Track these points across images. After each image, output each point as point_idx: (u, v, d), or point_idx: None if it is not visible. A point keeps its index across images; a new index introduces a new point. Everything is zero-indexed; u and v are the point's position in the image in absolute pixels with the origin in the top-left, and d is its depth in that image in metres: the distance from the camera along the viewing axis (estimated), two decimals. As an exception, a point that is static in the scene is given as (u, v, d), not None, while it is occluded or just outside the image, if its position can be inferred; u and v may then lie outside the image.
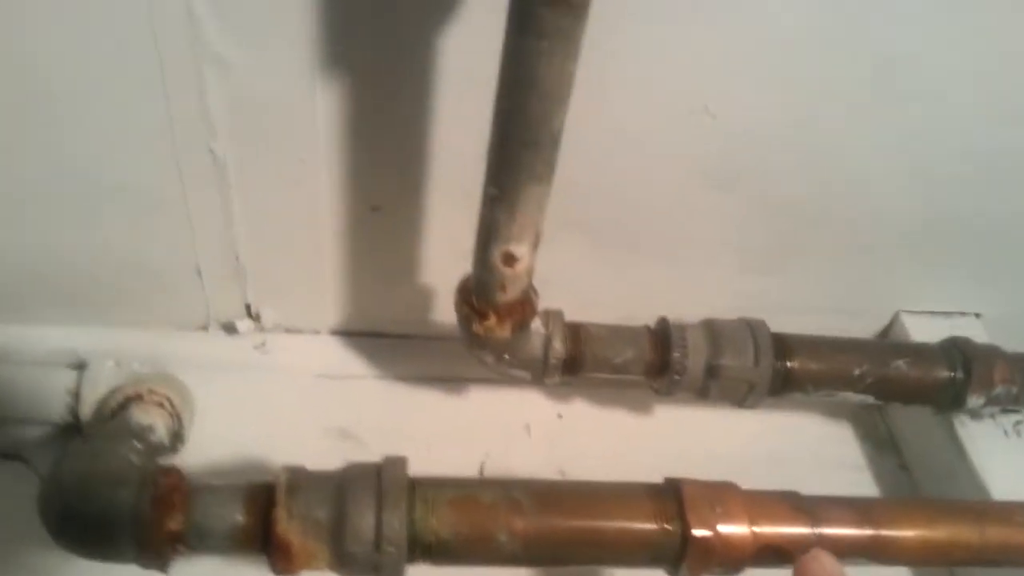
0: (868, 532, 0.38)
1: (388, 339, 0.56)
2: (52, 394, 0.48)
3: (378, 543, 0.35)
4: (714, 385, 0.46)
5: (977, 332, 0.56)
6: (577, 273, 0.52)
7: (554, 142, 0.35)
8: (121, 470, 0.38)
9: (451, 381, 0.55)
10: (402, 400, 0.54)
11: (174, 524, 0.35)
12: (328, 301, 0.54)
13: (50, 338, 0.52)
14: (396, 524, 0.35)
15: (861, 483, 0.54)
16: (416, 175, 0.46)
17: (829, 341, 0.48)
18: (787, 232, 0.52)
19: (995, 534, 0.40)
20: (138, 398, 0.46)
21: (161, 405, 0.46)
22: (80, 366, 0.49)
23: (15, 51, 0.38)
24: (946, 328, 0.54)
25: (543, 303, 0.44)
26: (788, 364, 0.46)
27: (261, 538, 0.36)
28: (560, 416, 0.55)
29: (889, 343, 0.55)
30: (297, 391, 0.53)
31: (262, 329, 0.54)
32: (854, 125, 0.46)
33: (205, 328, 0.54)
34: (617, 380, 0.47)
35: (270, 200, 0.47)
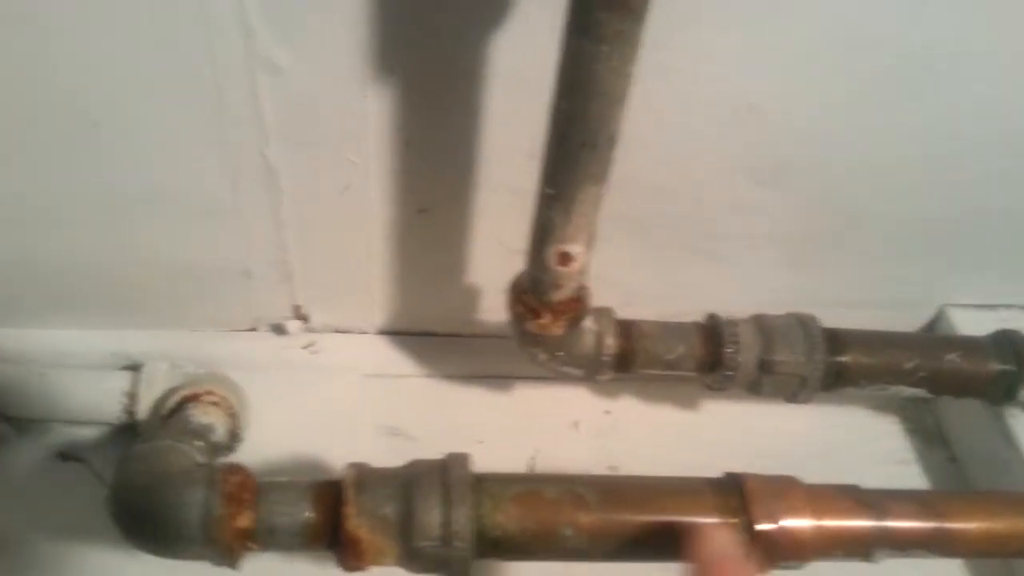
0: (931, 525, 0.38)
1: (435, 338, 0.56)
2: (108, 396, 0.49)
3: (446, 538, 0.35)
4: (766, 380, 0.46)
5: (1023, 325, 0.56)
6: (622, 269, 0.52)
7: (611, 143, 0.35)
8: (189, 469, 0.39)
9: (499, 379, 0.55)
10: (450, 398, 0.55)
11: (244, 521, 0.36)
12: (376, 301, 0.54)
13: (104, 342, 0.53)
14: (463, 520, 0.35)
15: (911, 477, 0.54)
16: (463, 176, 0.47)
17: (880, 335, 0.48)
18: (831, 227, 0.52)
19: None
20: (195, 398, 0.47)
21: (218, 405, 0.47)
22: (135, 368, 0.50)
23: (72, 60, 0.39)
24: (991, 321, 0.54)
25: (589, 300, 0.44)
26: (840, 359, 0.46)
27: (330, 535, 0.36)
28: (608, 412, 0.55)
29: (939, 336, 0.55)
30: (346, 390, 0.54)
31: (311, 330, 0.55)
32: (899, 119, 0.46)
33: (254, 329, 0.55)
34: (667, 376, 0.47)
35: (319, 203, 0.47)
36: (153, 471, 0.38)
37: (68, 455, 0.50)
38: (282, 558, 0.45)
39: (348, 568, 0.36)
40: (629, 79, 0.34)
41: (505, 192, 0.47)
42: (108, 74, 0.40)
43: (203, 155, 0.44)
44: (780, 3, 0.40)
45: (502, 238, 0.49)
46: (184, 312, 0.53)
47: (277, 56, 0.40)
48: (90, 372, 0.50)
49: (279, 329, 0.55)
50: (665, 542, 0.36)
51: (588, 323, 0.45)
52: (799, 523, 0.36)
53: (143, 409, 0.48)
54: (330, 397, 0.53)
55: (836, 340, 0.46)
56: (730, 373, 0.46)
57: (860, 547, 0.37)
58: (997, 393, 0.49)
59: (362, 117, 0.43)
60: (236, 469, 0.38)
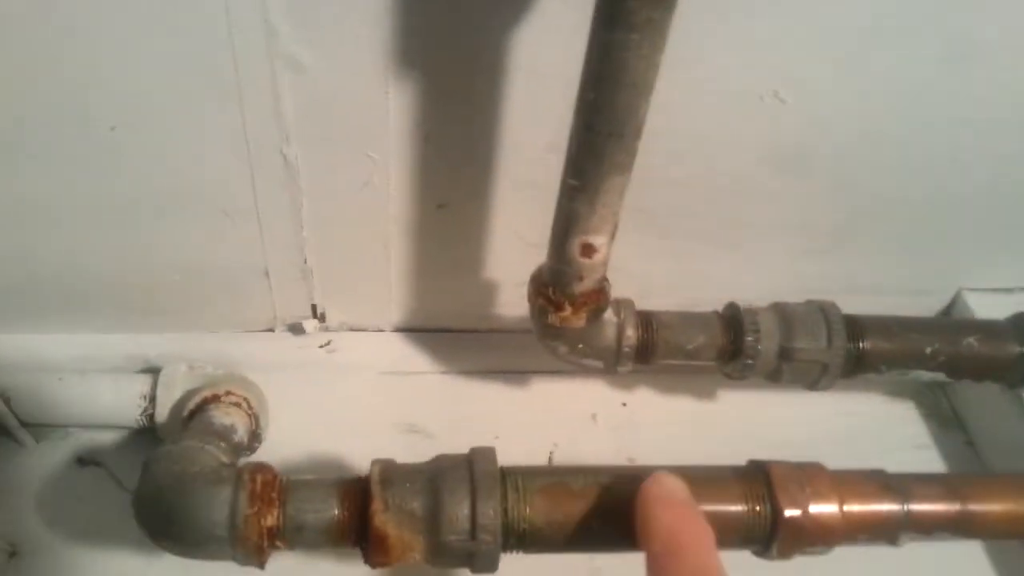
0: (957, 507, 0.38)
1: (451, 334, 0.56)
2: (127, 399, 0.49)
3: (474, 532, 0.35)
4: (787, 368, 0.46)
5: (1040, 307, 0.56)
6: (640, 260, 0.52)
7: (637, 133, 0.35)
8: (216, 468, 0.39)
9: (515, 374, 0.55)
10: (467, 394, 0.55)
11: (272, 520, 0.36)
12: (392, 298, 0.54)
13: (121, 345, 0.53)
14: (491, 513, 0.35)
15: (928, 461, 0.54)
16: (483, 170, 0.47)
17: (899, 320, 0.48)
18: (850, 213, 0.52)
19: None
20: (216, 399, 0.47)
21: (239, 405, 0.47)
22: (153, 371, 0.50)
23: (90, 61, 0.39)
24: (1008, 304, 0.54)
25: (607, 290, 0.44)
26: (861, 345, 0.46)
27: (357, 531, 0.36)
28: (625, 405, 0.55)
29: (958, 320, 0.55)
30: (364, 388, 0.54)
31: (327, 329, 0.55)
32: (920, 106, 0.45)
33: (271, 329, 0.55)
34: (687, 366, 0.47)
35: (338, 200, 0.47)
36: (179, 472, 0.38)
37: (87, 460, 0.50)
38: (304, 558, 0.45)
39: (375, 564, 0.36)
40: (657, 68, 0.33)
41: (525, 186, 0.47)
42: (126, 72, 0.39)
43: (222, 155, 0.44)
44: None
45: (520, 232, 0.49)
46: (201, 313, 0.54)
47: (300, 54, 0.40)
48: (108, 376, 0.50)
49: (296, 329, 0.55)
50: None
51: (609, 315, 0.45)
52: (826, 509, 0.36)
53: (162, 412, 0.48)
54: (347, 396, 0.53)
55: (856, 326, 0.46)
56: (750, 362, 0.46)
57: (887, 531, 0.37)
58: (1016, 376, 0.49)
59: (383, 113, 0.43)
60: (262, 468, 0.38)
